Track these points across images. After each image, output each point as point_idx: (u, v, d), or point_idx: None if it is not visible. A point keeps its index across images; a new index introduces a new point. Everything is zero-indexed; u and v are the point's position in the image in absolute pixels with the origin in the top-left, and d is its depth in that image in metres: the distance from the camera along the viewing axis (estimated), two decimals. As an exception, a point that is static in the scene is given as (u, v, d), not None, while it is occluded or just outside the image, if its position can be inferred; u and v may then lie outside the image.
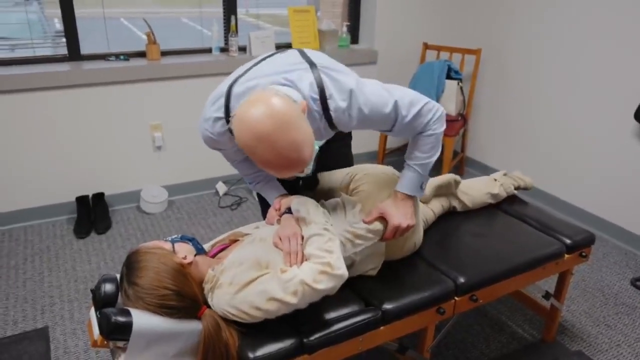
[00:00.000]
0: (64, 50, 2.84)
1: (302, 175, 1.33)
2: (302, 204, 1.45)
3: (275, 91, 1.24)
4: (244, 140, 1.19)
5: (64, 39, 2.81)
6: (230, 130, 1.36)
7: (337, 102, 1.33)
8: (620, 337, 2.20)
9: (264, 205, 1.82)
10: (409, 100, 1.41)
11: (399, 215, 1.53)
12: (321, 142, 1.32)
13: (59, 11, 2.76)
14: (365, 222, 1.54)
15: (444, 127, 1.51)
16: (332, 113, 1.34)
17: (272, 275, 1.31)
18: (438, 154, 1.52)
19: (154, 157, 3.10)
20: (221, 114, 1.38)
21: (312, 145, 1.23)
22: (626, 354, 2.10)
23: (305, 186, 1.76)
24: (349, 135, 1.91)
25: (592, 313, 2.33)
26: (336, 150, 1.83)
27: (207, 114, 1.42)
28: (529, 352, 2.08)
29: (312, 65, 1.35)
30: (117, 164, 3.01)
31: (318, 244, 1.32)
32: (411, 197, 1.56)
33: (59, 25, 2.97)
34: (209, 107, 1.41)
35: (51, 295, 2.31)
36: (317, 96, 1.32)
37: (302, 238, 1.38)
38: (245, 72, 1.39)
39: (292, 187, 1.71)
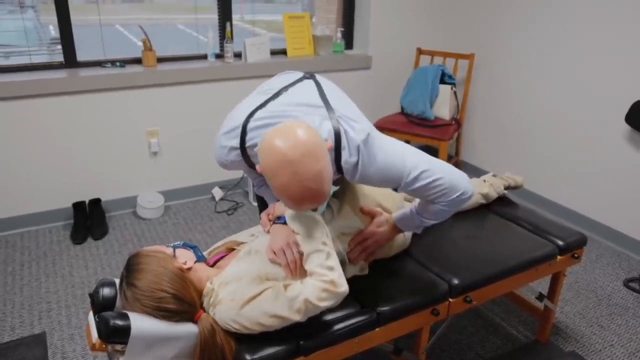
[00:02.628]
0: (60, 57, 2.86)
1: (314, 213, 1.34)
2: (297, 217, 1.44)
3: (307, 124, 1.25)
4: (269, 163, 1.18)
5: (59, 46, 2.83)
6: (245, 160, 1.40)
7: (348, 155, 1.33)
8: (613, 337, 2.22)
9: (263, 207, 1.83)
10: (425, 170, 1.37)
11: (382, 233, 1.61)
12: (336, 188, 1.33)
13: (54, 18, 2.78)
14: (362, 210, 1.62)
15: (459, 208, 1.48)
16: (342, 164, 1.34)
17: (276, 293, 1.31)
18: (443, 220, 1.53)
19: (150, 163, 3.12)
20: (236, 144, 1.39)
21: (330, 183, 1.23)
22: (619, 354, 2.12)
23: None
24: None
25: (585, 314, 2.36)
26: None
27: (222, 142, 1.42)
28: (523, 353, 2.10)
29: (330, 110, 1.35)
30: (114, 169, 3.03)
31: (319, 261, 1.33)
32: (398, 230, 1.64)
33: (54, 32, 2.98)
34: (223, 136, 1.42)
35: (48, 300, 2.32)
36: (332, 144, 1.32)
37: (297, 246, 1.38)
38: (263, 104, 1.39)
39: None
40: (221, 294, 1.36)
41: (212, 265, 1.51)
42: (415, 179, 1.36)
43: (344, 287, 1.32)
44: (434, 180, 1.37)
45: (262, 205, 1.87)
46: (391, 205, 1.72)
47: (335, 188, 1.31)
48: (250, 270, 1.38)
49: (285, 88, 1.43)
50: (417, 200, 1.53)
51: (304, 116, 1.33)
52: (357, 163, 1.33)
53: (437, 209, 1.46)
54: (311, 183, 1.17)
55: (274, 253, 1.39)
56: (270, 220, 1.53)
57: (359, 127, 1.34)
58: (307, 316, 1.31)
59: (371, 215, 1.63)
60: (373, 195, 1.70)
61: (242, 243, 1.57)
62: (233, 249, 1.58)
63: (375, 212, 1.63)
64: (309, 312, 1.30)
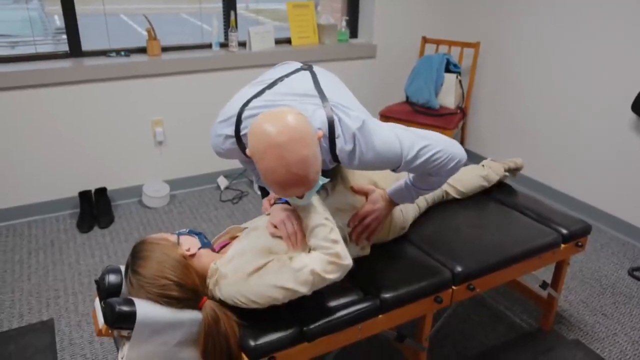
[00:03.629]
0: (64, 47, 2.86)
1: (299, 202, 1.34)
2: None
3: (298, 110, 1.27)
4: (256, 146, 1.20)
5: (64, 36, 2.84)
6: (240, 148, 1.41)
7: (343, 143, 1.34)
8: (617, 326, 2.22)
9: (266, 195, 1.85)
10: (423, 146, 1.39)
11: (379, 209, 1.61)
12: (326, 180, 1.35)
13: (58, 8, 2.78)
14: (353, 188, 1.64)
15: (453, 175, 1.52)
16: (337, 152, 1.36)
17: (281, 264, 1.33)
18: (437, 188, 1.58)
19: (156, 152, 3.13)
20: (231, 132, 1.41)
21: (318, 171, 1.25)
22: (623, 342, 2.13)
23: None
24: None
25: (589, 303, 2.36)
26: None
27: (218, 131, 1.45)
28: (526, 341, 2.11)
29: (325, 99, 1.37)
30: (119, 159, 3.04)
31: (323, 235, 1.34)
32: (394, 204, 1.65)
33: (59, 22, 2.99)
34: (219, 124, 1.44)
35: (56, 288, 2.35)
36: (326, 133, 1.34)
37: (297, 218, 1.40)
38: (258, 94, 1.41)
39: None
40: (225, 270, 1.38)
41: (218, 252, 1.53)
42: (415, 157, 1.38)
43: (348, 260, 1.34)
44: (433, 155, 1.40)
45: (265, 193, 1.89)
46: (384, 181, 1.73)
47: (325, 180, 1.33)
48: (252, 245, 1.40)
49: (281, 78, 1.45)
50: (402, 181, 1.59)
51: (298, 105, 1.34)
52: (353, 150, 1.34)
53: (434, 179, 1.51)
54: (296, 168, 1.19)
55: (275, 227, 1.41)
56: (271, 205, 1.57)
57: (354, 114, 1.35)
58: (313, 289, 1.32)
59: (364, 193, 1.64)
60: (365, 173, 1.72)
61: (245, 228, 1.59)
62: (237, 237, 1.60)
63: (367, 189, 1.64)
64: (315, 285, 1.31)
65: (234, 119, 1.40)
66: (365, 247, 1.68)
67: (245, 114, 1.38)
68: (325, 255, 1.31)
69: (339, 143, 1.34)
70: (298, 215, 1.42)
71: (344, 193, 1.65)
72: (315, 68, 1.52)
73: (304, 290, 1.31)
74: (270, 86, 1.42)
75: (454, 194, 2.07)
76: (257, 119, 1.24)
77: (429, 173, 1.48)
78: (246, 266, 1.35)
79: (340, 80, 1.58)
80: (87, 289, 2.35)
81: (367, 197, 1.64)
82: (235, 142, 1.42)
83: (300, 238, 1.39)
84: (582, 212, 3.10)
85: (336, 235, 1.35)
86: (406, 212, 1.83)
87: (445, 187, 2.05)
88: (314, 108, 1.35)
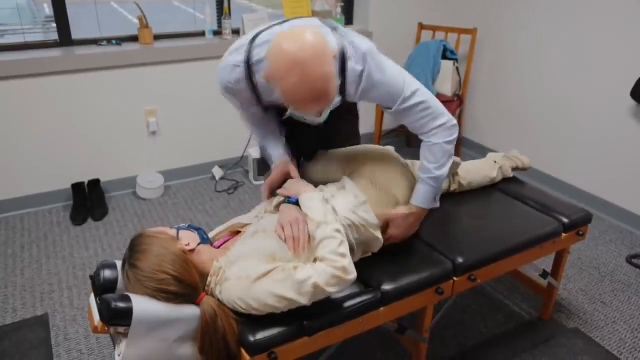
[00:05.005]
0: (54, 36, 2.80)
1: (319, 119, 1.39)
2: (310, 200, 1.44)
3: (317, 29, 1.29)
4: (278, 66, 1.23)
5: (53, 24, 2.77)
6: (248, 75, 1.44)
7: (353, 64, 1.39)
8: (615, 313, 2.22)
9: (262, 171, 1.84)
10: (417, 89, 1.48)
11: (402, 229, 1.63)
12: (339, 98, 1.42)
13: (48, -5, 2.71)
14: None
15: (450, 139, 1.54)
16: (348, 73, 1.39)
17: (285, 274, 1.29)
18: (447, 167, 1.57)
19: (149, 143, 3.08)
20: (241, 59, 1.43)
21: (335, 87, 1.30)
22: (621, 329, 2.13)
23: (305, 158, 1.84)
24: (356, 115, 1.94)
25: (588, 291, 2.36)
26: (344, 126, 1.86)
27: (225, 62, 1.49)
28: (525, 330, 2.10)
29: (334, 29, 1.43)
30: (112, 150, 2.99)
31: (331, 248, 1.31)
32: (424, 210, 1.64)
33: (48, 10, 2.92)
34: (227, 56, 1.48)
35: (50, 282, 2.31)
36: (338, 55, 1.37)
37: (305, 223, 1.38)
38: (269, 27, 1.46)
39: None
40: (228, 272, 1.35)
41: (219, 248, 1.50)
42: (412, 94, 1.46)
43: (353, 274, 1.32)
44: (423, 101, 1.48)
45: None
46: (401, 193, 1.69)
47: (338, 98, 1.38)
48: (257, 249, 1.37)
49: (290, 19, 1.54)
50: (418, 184, 1.61)
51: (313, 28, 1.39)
52: (362, 72, 1.39)
53: (432, 149, 1.54)
54: (319, 84, 1.23)
55: (282, 228, 1.39)
56: (270, 191, 1.60)
57: (364, 40, 1.42)
58: (313, 300, 1.30)
59: (385, 222, 1.62)
60: (387, 188, 1.66)
61: (247, 224, 1.56)
62: (237, 232, 1.57)
63: (388, 217, 1.61)
64: (316, 296, 1.29)
65: (245, 47, 1.43)
66: (372, 250, 1.65)
67: (257, 41, 1.42)
68: (331, 268, 1.29)
69: (350, 64, 1.39)
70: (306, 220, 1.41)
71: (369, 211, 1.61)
72: None
73: (304, 301, 1.29)
74: (280, 23, 1.49)
75: (457, 190, 2.05)
76: (275, 40, 1.27)
77: (420, 126, 1.52)
78: (249, 272, 1.31)
79: None
80: (81, 283, 2.31)
81: (389, 224, 1.63)
82: (244, 70, 1.44)
83: (303, 243, 1.36)
84: (580, 199, 3.09)
85: (345, 249, 1.33)
86: None
87: (451, 184, 2.03)
88: (326, 31, 1.39)
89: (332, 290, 1.29)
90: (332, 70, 1.26)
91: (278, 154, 1.67)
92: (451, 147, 1.56)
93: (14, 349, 1.93)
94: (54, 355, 1.92)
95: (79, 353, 1.93)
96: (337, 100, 1.44)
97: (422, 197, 1.61)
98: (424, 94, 1.49)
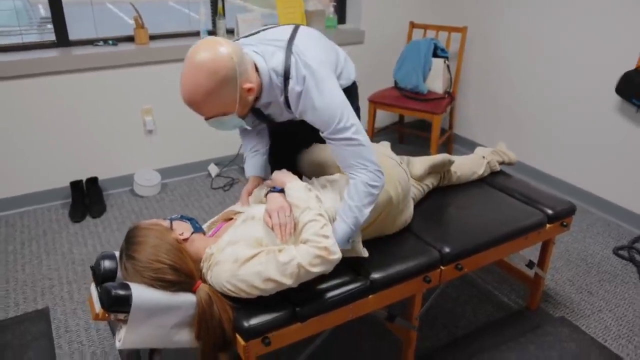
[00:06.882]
0: (50, 37, 2.84)
1: (209, 123, 1.44)
2: (294, 189, 1.50)
3: (228, 43, 1.35)
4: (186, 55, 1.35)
5: (49, 25, 2.82)
6: None
7: (294, 84, 1.43)
8: (601, 303, 2.29)
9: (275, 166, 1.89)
10: (353, 125, 1.44)
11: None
12: (242, 123, 1.45)
13: (44, -3, 2.75)
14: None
15: (375, 184, 1.47)
16: (288, 93, 1.45)
17: (270, 256, 1.35)
18: (368, 211, 1.49)
19: (146, 141, 3.13)
20: None
21: (216, 106, 1.36)
22: (607, 318, 2.19)
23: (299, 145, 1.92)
24: None
25: (575, 281, 2.42)
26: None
27: None
28: (514, 320, 2.17)
29: (290, 45, 1.46)
30: (110, 148, 3.04)
31: (314, 230, 1.38)
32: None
33: (44, 11, 2.95)
34: None
35: (50, 277, 2.37)
36: (281, 73, 1.43)
37: (291, 211, 1.44)
38: (247, 36, 1.57)
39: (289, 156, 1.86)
40: (218, 257, 1.41)
41: (212, 237, 1.56)
42: (345, 128, 1.44)
43: (337, 255, 1.37)
44: (355, 139, 1.45)
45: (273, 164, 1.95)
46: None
47: (241, 123, 1.44)
48: (245, 235, 1.43)
49: (266, 29, 1.60)
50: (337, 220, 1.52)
51: (262, 47, 1.47)
52: (300, 93, 1.43)
53: (358, 187, 1.46)
54: (191, 93, 1.32)
55: (269, 216, 1.45)
56: (247, 196, 1.69)
57: (313, 63, 1.43)
58: (299, 281, 1.36)
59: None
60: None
61: (239, 212, 1.62)
62: (231, 219, 1.63)
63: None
64: (301, 277, 1.35)
65: None
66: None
67: None
68: (314, 248, 1.34)
69: (291, 84, 1.43)
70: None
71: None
72: (304, 26, 1.59)
73: (289, 282, 1.34)
74: (254, 34, 1.58)
75: (445, 184, 2.11)
76: (208, 38, 1.38)
77: (342, 159, 1.48)
78: (237, 256, 1.38)
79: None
80: (81, 278, 2.37)
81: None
82: None
83: (290, 229, 1.42)
84: (568, 193, 3.15)
85: (328, 231, 1.39)
86: (409, 209, 1.82)
87: (442, 179, 2.09)
88: (274, 50, 1.46)
89: (316, 270, 1.34)
90: (212, 86, 1.31)
91: (252, 171, 1.81)
92: (376, 193, 1.48)
93: (17, 341, 1.98)
94: (56, 347, 1.97)
95: (79, 344, 1.99)
96: (288, 115, 1.55)
97: (338, 237, 1.48)
98: (360, 133, 1.45)
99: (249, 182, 1.77)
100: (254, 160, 1.82)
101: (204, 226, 1.66)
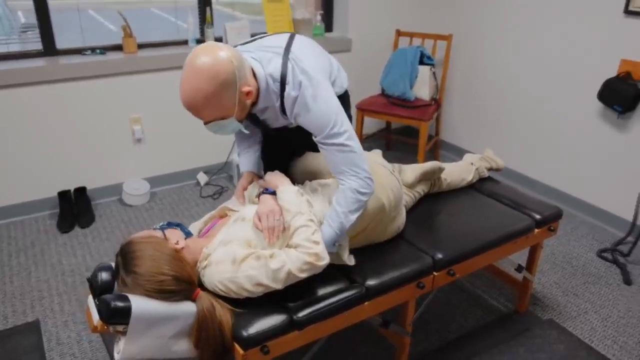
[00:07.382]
0: (32, 45, 2.81)
1: (207, 127, 1.45)
2: (286, 193, 1.53)
3: (227, 48, 1.37)
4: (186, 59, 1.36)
5: (30, 33, 2.79)
6: None
7: (290, 89, 1.45)
8: (587, 304, 2.34)
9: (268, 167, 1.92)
10: (346, 131, 1.47)
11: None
12: (240, 127, 1.48)
13: (23, 3, 2.71)
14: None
15: (364, 191, 1.49)
16: (285, 98, 1.47)
17: (262, 262, 1.39)
18: (355, 217, 1.52)
19: (135, 150, 3.12)
20: None
21: (216, 110, 1.37)
22: (593, 319, 2.24)
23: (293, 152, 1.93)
24: None
25: (561, 284, 2.47)
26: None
27: None
28: (503, 323, 2.20)
29: (287, 52, 1.48)
30: (98, 157, 3.03)
31: (306, 235, 1.42)
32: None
33: (23, 18, 2.91)
34: None
35: (39, 289, 2.34)
36: (278, 79, 1.46)
37: (281, 214, 1.48)
38: (244, 44, 1.59)
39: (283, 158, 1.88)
40: (212, 257, 1.44)
41: (205, 235, 1.59)
42: (338, 134, 1.46)
43: (325, 260, 1.43)
44: (348, 145, 1.47)
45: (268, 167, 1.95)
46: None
47: (239, 125, 1.46)
48: (237, 236, 1.47)
49: (263, 37, 1.62)
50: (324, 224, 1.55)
51: (259, 53, 1.49)
52: (296, 98, 1.45)
53: (346, 194, 1.49)
54: (190, 96, 1.33)
55: (259, 219, 1.48)
56: (242, 192, 1.70)
57: (309, 69, 1.45)
58: (286, 284, 1.42)
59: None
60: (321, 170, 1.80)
61: (233, 210, 1.66)
62: (226, 215, 1.66)
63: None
64: (288, 281, 1.41)
65: None
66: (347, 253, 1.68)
67: None
68: (304, 254, 1.39)
69: (287, 89, 1.46)
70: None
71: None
72: (300, 35, 1.62)
73: (278, 286, 1.41)
74: (251, 41, 1.60)
75: (435, 191, 2.15)
76: (207, 42, 1.40)
77: (333, 165, 1.50)
78: (228, 257, 1.42)
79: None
80: (71, 289, 2.35)
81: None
82: None
83: (278, 233, 1.46)
84: (553, 197, 3.22)
85: (318, 237, 1.44)
86: (401, 216, 1.85)
87: (432, 186, 2.12)
88: (271, 56, 1.48)
89: (303, 275, 1.41)
90: (212, 89, 1.32)
91: (246, 166, 1.83)
92: (364, 200, 1.51)
93: (8, 355, 1.95)
94: (48, 360, 1.96)
95: (72, 357, 1.97)
96: (283, 120, 1.57)
97: (324, 240, 1.50)
98: (352, 140, 1.48)
99: (244, 177, 1.79)
100: (248, 156, 1.85)
101: (201, 221, 1.70)
